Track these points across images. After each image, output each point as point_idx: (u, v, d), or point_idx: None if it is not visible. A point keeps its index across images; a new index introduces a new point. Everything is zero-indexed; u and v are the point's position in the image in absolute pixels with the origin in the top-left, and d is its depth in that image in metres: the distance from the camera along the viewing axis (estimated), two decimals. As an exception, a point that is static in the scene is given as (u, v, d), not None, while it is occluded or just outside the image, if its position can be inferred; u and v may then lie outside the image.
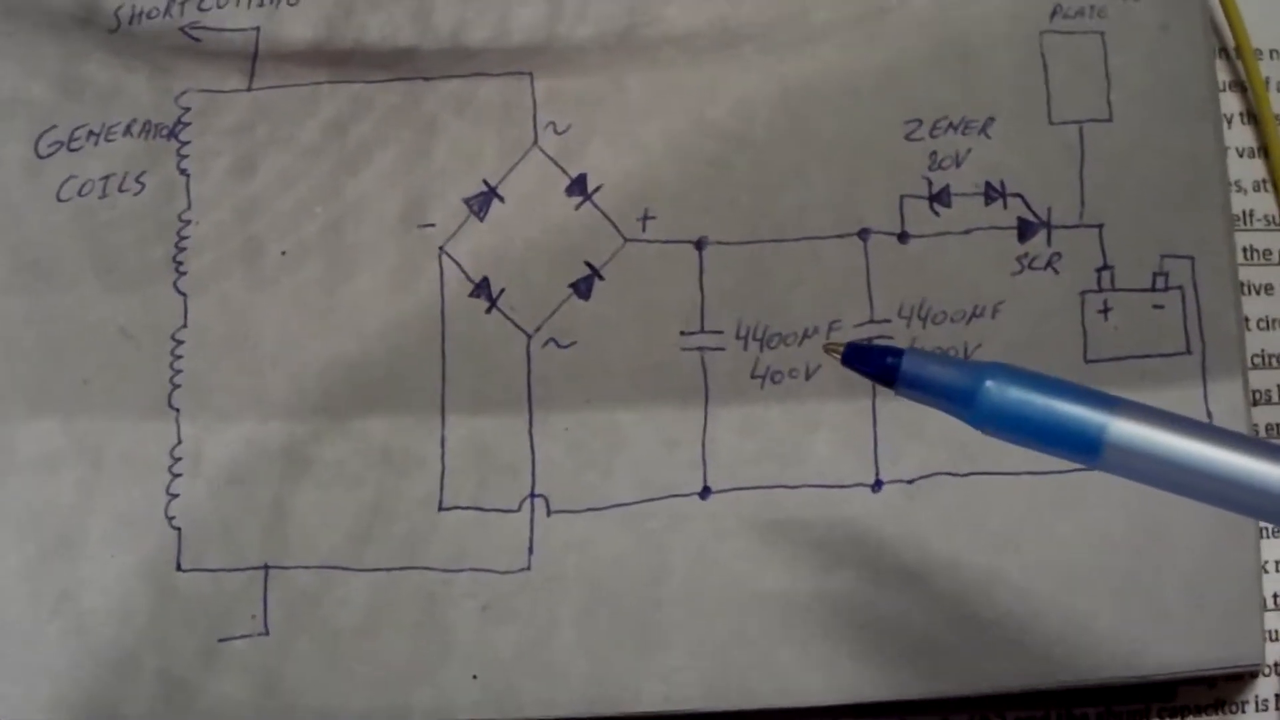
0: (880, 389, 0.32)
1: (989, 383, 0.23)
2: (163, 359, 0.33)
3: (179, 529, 0.33)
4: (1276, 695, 0.35)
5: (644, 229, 0.34)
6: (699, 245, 0.34)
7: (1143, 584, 0.33)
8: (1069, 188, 0.34)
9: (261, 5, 0.34)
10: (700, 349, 0.33)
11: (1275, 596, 0.35)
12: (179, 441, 0.33)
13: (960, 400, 0.23)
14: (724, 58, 0.34)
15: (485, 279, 0.34)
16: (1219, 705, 0.35)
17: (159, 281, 0.34)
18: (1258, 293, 0.36)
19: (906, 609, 0.32)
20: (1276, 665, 0.35)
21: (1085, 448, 0.22)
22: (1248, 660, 0.33)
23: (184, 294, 0.34)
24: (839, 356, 0.24)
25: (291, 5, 0.34)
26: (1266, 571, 0.35)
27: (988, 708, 0.34)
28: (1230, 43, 0.36)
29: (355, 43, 0.34)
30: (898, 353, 0.24)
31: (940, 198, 0.34)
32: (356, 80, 0.34)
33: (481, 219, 0.34)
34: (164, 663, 0.32)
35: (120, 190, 0.34)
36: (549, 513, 0.33)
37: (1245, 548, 0.33)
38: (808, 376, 0.33)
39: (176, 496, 0.33)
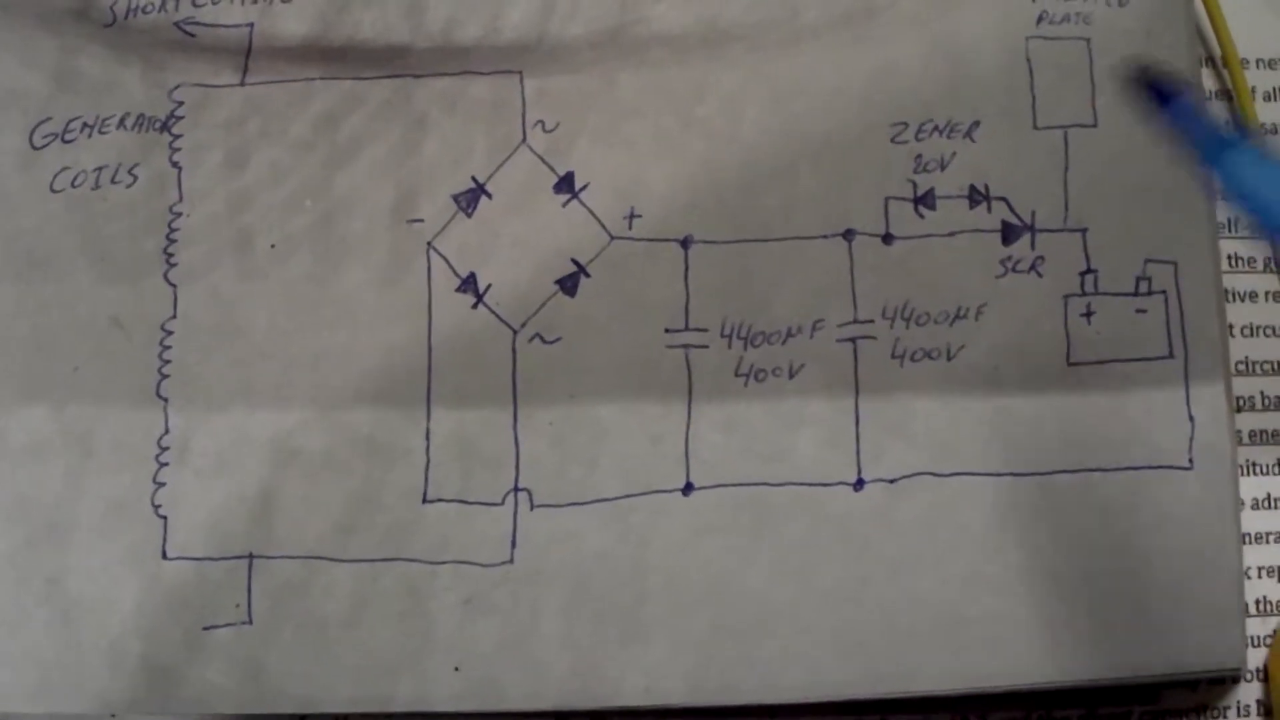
0: (864, 383, 0.33)
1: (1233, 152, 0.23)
2: (152, 349, 0.34)
3: (165, 517, 0.33)
4: (1258, 700, 0.35)
5: (630, 227, 0.34)
6: (685, 244, 0.34)
7: (1125, 586, 0.33)
8: (1053, 192, 0.34)
9: (255, 1, 0.35)
10: (685, 346, 0.34)
11: (1257, 602, 0.35)
12: (167, 431, 0.33)
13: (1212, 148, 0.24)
14: (712, 57, 0.35)
15: (472, 274, 0.34)
16: (1201, 709, 0.35)
17: (150, 272, 0.34)
18: (1242, 299, 0.36)
19: (888, 608, 0.33)
20: (1258, 671, 0.35)
21: None
22: (1229, 665, 0.33)
23: (174, 285, 0.34)
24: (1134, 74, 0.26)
25: (285, 2, 0.34)
26: (1249, 577, 0.35)
27: (969, 708, 0.35)
28: (1217, 52, 0.37)
29: (348, 39, 0.35)
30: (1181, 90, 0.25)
31: (925, 200, 0.34)
32: (348, 76, 0.35)
33: (470, 215, 0.34)
34: (149, 650, 0.32)
35: (113, 182, 0.34)
36: (532, 506, 0.33)
37: (1228, 553, 0.33)
38: (791, 375, 0.34)
39: (164, 485, 0.33)
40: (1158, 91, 0.25)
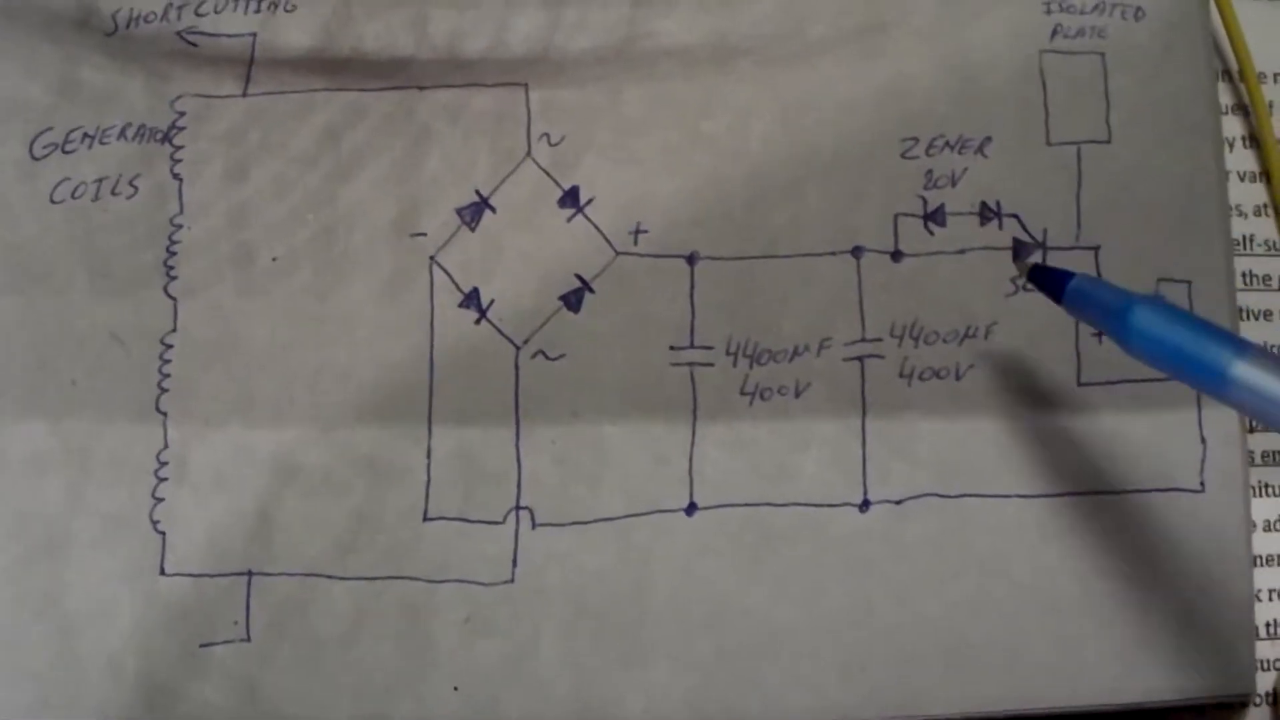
0: (871, 403, 0.33)
1: (1140, 307, 0.27)
2: (151, 363, 0.33)
3: (164, 533, 0.33)
4: (1267, 725, 0.34)
5: (636, 242, 0.34)
6: (690, 260, 0.34)
7: (1132, 610, 0.32)
8: (1065, 209, 0.34)
9: (259, 11, 0.34)
10: (690, 364, 0.33)
11: (1268, 625, 0.34)
12: (166, 446, 0.33)
13: (1115, 319, 0.27)
14: (720, 72, 0.34)
15: (475, 289, 0.34)
16: (1208, 734, 0.34)
17: (149, 286, 0.34)
18: (1257, 318, 0.36)
19: (893, 630, 0.32)
20: (1268, 695, 0.34)
21: (1213, 378, 0.25)
22: (1238, 690, 0.32)
23: (174, 299, 0.34)
24: (1026, 273, 0.31)
25: (289, 12, 0.34)
26: (1259, 600, 0.34)
27: (973, 731, 0.34)
28: (1234, 66, 0.36)
29: (352, 51, 0.34)
30: (1069, 276, 0.29)
31: (935, 217, 0.34)
32: (351, 88, 0.34)
33: (473, 229, 0.34)
34: (146, 667, 0.32)
35: (113, 193, 0.34)
36: (534, 525, 0.33)
37: (1239, 575, 0.32)
38: (797, 394, 0.33)
39: (162, 501, 0.33)
40: (1050, 280, 0.29)
